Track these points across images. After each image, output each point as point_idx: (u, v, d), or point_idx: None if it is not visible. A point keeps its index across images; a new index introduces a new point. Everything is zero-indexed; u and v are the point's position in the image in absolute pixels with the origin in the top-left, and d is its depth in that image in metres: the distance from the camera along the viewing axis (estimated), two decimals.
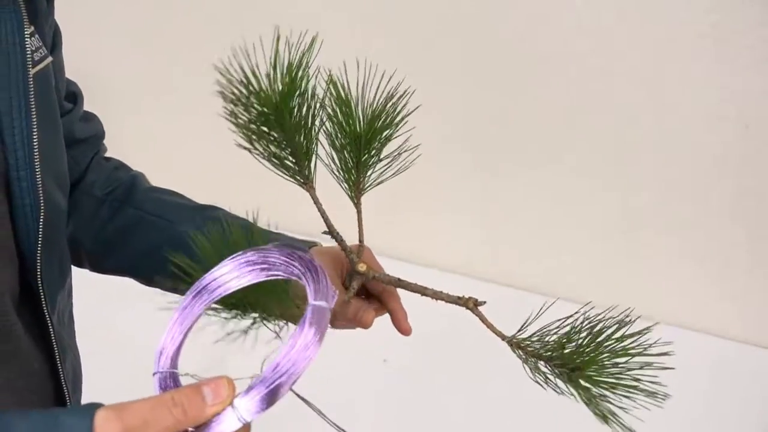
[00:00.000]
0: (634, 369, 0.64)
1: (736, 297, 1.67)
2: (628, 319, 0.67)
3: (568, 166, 1.73)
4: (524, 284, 1.82)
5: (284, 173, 0.69)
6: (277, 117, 0.64)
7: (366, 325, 0.73)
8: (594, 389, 0.63)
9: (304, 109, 0.66)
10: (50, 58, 0.73)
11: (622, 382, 0.63)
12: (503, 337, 0.70)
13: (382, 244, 1.89)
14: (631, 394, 0.63)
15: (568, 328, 0.67)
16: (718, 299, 1.69)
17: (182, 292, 0.81)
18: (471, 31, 1.71)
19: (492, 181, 1.82)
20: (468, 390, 1.50)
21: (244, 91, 0.64)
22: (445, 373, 1.54)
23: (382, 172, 0.71)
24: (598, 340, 0.65)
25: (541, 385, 0.66)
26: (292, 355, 0.49)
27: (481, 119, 1.78)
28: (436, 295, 0.70)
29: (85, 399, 0.89)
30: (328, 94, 0.68)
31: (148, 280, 0.86)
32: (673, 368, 0.65)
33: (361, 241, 0.72)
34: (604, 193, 1.72)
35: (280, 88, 0.65)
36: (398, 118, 0.70)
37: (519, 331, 0.68)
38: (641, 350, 0.64)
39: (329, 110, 0.68)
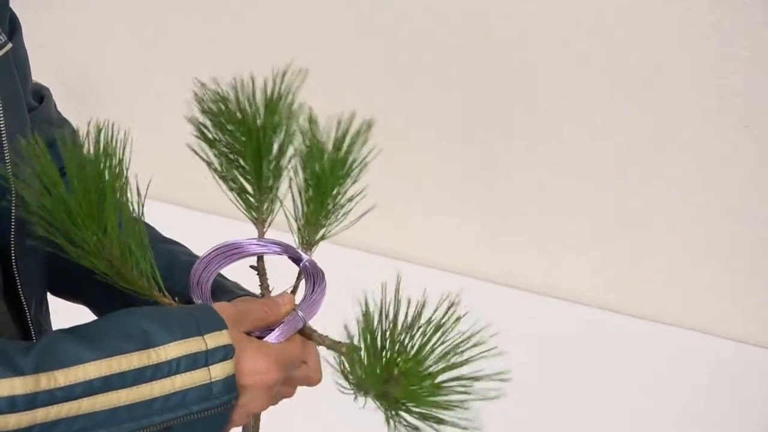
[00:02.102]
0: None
1: (736, 297, 1.67)
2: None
3: (567, 165, 1.73)
4: (524, 284, 1.82)
5: (240, 204, 0.68)
6: (251, 146, 0.64)
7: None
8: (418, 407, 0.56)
9: (277, 148, 0.65)
10: (10, 45, 0.72)
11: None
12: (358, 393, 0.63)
13: (382, 243, 1.89)
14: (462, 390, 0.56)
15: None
16: (718, 299, 1.69)
17: None
18: (470, 31, 1.71)
19: (492, 181, 1.82)
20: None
21: (222, 107, 0.63)
22: None
23: (338, 220, 0.69)
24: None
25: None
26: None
27: (480, 119, 1.78)
28: (319, 341, 0.68)
29: None
30: (304, 137, 0.65)
31: (97, 308, 0.84)
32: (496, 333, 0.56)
33: (266, 288, 0.71)
34: (603, 193, 1.72)
35: (261, 118, 0.63)
36: (355, 170, 0.67)
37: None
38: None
39: (301, 155, 0.65)
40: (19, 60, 0.79)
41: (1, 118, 0.69)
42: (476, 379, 0.57)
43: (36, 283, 0.77)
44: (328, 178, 0.65)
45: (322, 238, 0.70)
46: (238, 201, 0.69)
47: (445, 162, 1.82)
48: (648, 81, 1.61)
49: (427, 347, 0.55)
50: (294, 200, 0.68)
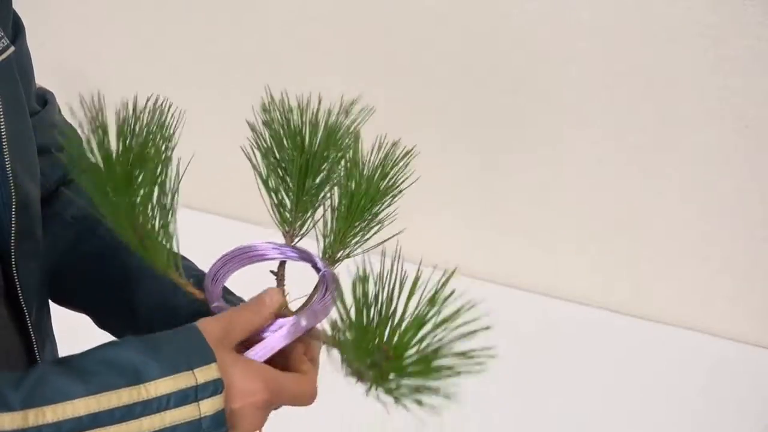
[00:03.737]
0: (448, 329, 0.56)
1: (736, 297, 1.67)
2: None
3: (567, 165, 1.73)
4: (524, 284, 1.82)
5: (275, 216, 0.70)
6: (301, 165, 0.67)
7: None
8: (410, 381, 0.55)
9: (324, 171, 0.69)
10: (12, 48, 0.72)
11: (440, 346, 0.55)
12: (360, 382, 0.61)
13: (383, 244, 1.89)
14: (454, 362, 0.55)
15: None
16: (718, 299, 1.69)
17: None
18: (470, 31, 1.71)
19: (492, 181, 1.82)
20: (468, 389, 1.50)
21: (284, 122, 0.66)
22: None
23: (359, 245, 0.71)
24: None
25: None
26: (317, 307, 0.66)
27: (480, 119, 1.78)
28: (324, 338, 0.67)
29: None
30: (347, 157, 0.69)
31: (98, 318, 0.83)
32: (488, 327, 0.56)
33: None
34: (603, 193, 1.72)
35: (318, 144, 0.67)
36: (394, 191, 0.72)
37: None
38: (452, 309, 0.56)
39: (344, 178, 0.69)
40: (22, 63, 0.79)
41: (2, 122, 0.69)
42: (465, 354, 0.58)
43: (36, 287, 0.77)
44: (362, 199, 0.68)
45: (347, 256, 0.71)
46: (274, 212, 0.70)
47: (445, 162, 1.82)
48: (648, 81, 1.61)
49: (419, 320, 0.56)
50: (325, 217, 0.70)
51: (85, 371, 0.57)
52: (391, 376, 0.55)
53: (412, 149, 0.71)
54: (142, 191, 0.60)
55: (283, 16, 1.85)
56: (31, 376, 0.56)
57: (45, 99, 0.85)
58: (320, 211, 0.70)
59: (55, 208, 0.84)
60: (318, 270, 0.70)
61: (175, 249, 0.66)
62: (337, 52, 1.80)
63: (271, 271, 0.71)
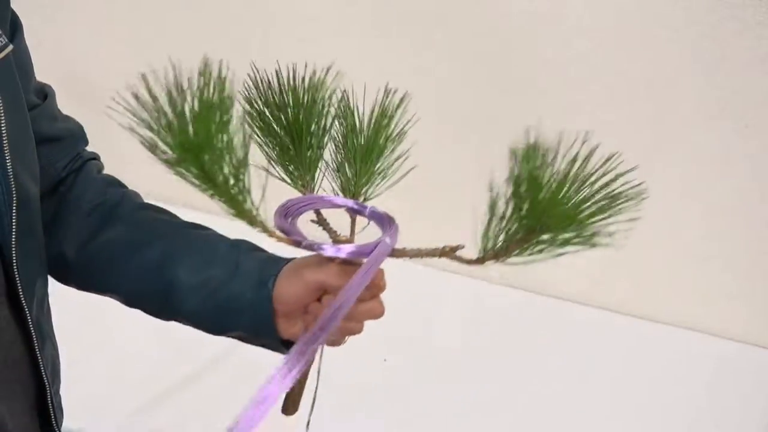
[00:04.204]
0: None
1: (736, 297, 1.67)
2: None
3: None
4: (524, 284, 1.82)
5: (287, 177, 0.72)
6: (295, 128, 0.68)
7: (379, 280, 0.72)
8: (576, 231, 0.61)
9: (318, 123, 0.71)
10: (11, 47, 0.72)
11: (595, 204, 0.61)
12: (477, 262, 0.72)
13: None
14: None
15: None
16: (719, 299, 1.69)
17: (164, 318, 0.82)
18: (471, 31, 1.71)
19: (491, 181, 1.82)
20: (469, 390, 1.50)
21: (269, 99, 0.69)
22: (445, 374, 1.54)
23: (378, 185, 0.75)
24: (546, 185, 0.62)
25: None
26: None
27: (480, 119, 1.78)
28: (415, 253, 0.72)
29: (64, 388, 0.89)
30: (338, 109, 0.72)
31: (130, 299, 0.84)
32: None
33: (352, 239, 0.73)
34: None
35: (305, 103, 0.69)
36: (396, 132, 0.75)
37: (485, 246, 0.69)
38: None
39: (337, 125, 0.72)
40: (21, 60, 0.79)
41: (2, 119, 0.69)
42: (613, 196, 0.64)
43: (37, 286, 0.77)
44: (371, 146, 0.71)
45: (365, 200, 0.74)
46: (284, 176, 0.72)
47: (444, 161, 1.82)
48: (648, 81, 1.61)
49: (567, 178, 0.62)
50: (339, 168, 0.73)
51: None
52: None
53: (405, 94, 0.75)
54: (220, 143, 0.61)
55: (283, 20, 1.85)
56: None
57: (45, 92, 0.86)
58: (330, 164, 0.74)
59: (69, 198, 0.85)
60: (360, 213, 0.72)
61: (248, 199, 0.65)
62: (337, 53, 1.80)
63: (313, 221, 0.72)
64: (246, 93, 0.70)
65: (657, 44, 1.57)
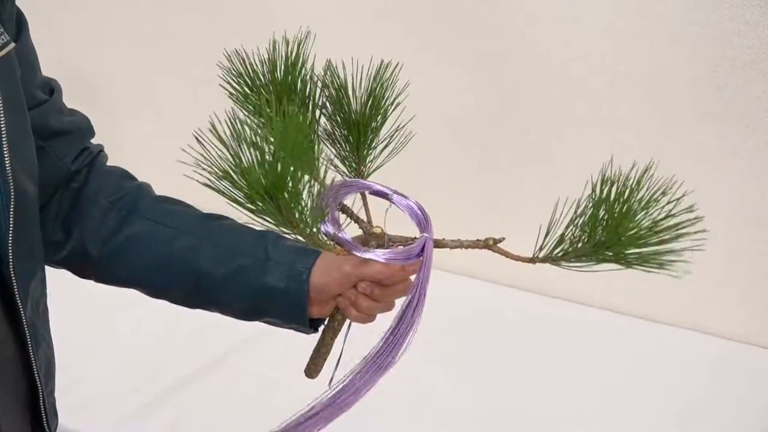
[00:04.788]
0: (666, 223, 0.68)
1: (736, 297, 1.67)
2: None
3: (567, 165, 1.73)
4: (524, 284, 1.81)
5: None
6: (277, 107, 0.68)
7: (415, 270, 0.75)
8: (639, 253, 0.67)
9: (302, 96, 0.72)
10: (12, 45, 0.73)
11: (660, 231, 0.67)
12: (529, 260, 0.79)
13: None
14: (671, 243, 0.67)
15: (589, 211, 0.70)
16: (718, 299, 1.69)
17: (190, 307, 0.84)
18: (470, 31, 1.71)
19: (492, 181, 1.82)
20: (468, 389, 1.50)
21: (245, 85, 0.67)
22: (445, 374, 1.54)
23: (380, 154, 0.76)
24: (623, 205, 0.68)
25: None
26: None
27: (479, 119, 1.78)
28: (456, 245, 0.79)
29: (59, 390, 0.89)
30: (325, 80, 0.73)
31: (156, 291, 0.86)
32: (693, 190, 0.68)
33: (370, 222, 0.75)
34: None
35: (280, 78, 0.70)
36: (390, 100, 0.76)
37: (540, 249, 0.76)
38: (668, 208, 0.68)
39: (326, 98, 0.73)
40: (26, 56, 0.80)
41: (1, 117, 0.69)
42: (677, 226, 0.69)
43: (32, 285, 0.77)
44: (362, 118, 0.73)
45: (372, 171, 0.76)
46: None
47: (445, 162, 1.82)
48: (648, 81, 1.60)
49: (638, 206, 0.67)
50: (337, 144, 0.75)
51: None
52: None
53: (397, 65, 0.76)
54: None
55: (285, 19, 1.85)
56: None
57: (51, 87, 0.86)
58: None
59: (87, 193, 0.85)
60: (385, 197, 0.75)
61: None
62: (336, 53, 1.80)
63: (339, 209, 0.74)
64: (226, 75, 0.71)
65: (657, 44, 1.57)
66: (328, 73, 0.73)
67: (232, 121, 0.59)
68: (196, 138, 0.60)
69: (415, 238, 0.74)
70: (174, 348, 1.55)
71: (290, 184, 0.59)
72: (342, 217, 0.73)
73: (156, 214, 0.84)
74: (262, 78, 0.70)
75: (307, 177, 0.61)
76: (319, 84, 0.73)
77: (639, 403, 1.48)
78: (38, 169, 0.80)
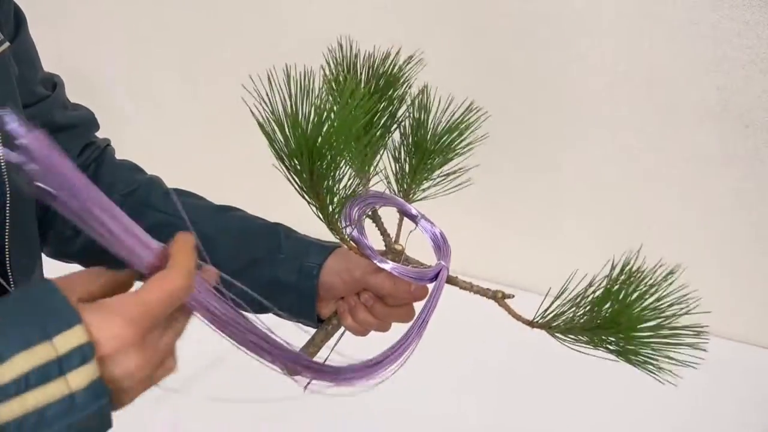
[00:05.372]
0: (671, 317, 0.67)
1: (736, 297, 1.67)
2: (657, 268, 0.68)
3: (567, 166, 1.73)
4: (524, 284, 1.81)
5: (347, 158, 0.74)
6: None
7: (422, 296, 0.76)
8: (637, 348, 0.67)
9: (389, 109, 0.74)
10: (8, 44, 0.72)
11: (662, 333, 0.67)
12: (528, 323, 0.77)
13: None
14: (673, 342, 0.67)
15: (599, 291, 0.69)
16: (718, 299, 1.68)
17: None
18: (470, 31, 1.71)
19: (492, 182, 1.82)
20: (468, 389, 1.50)
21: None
22: (445, 373, 1.54)
23: (432, 186, 0.79)
24: (632, 295, 0.66)
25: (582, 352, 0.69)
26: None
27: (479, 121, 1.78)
28: (467, 286, 0.78)
29: None
30: (415, 99, 0.75)
31: None
32: (709, 312, 0.69)
33: (397, 239, 0.77)
34: (603, 193, 1.72)
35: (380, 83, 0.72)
36: (464, 140, 0.79)
37: (544, 313, 0.75)
38: (675, 298, 0.68)
39: (409, 115, 0.75)
40: (26, 52, 0.80)
41: None
42: (676, 330, 0.69)
43: (30, 279, 0.77)
44: (436, 147, 0.75)
45: (419, 200, 0.78)
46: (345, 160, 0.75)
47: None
48: (648, 81, 1.61)
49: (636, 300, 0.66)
50: (400, 162, 0.76)
51: None
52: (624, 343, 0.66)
53: (479, 109, 0.81)
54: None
55: (286, 18, 1.85)
56: None
57: (54, 82, 0.86)
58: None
59: (103, 191, 0.85)
60: (412, 218, 0.76)
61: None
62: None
63: (367, 216, 0.75)
64: (328, 56, 0.72)
65: (657, 44, 1.57)
66: (422, 94, 0.75)
67: (303, 76, 0.60)
68: (268, 77, 0.60)
69: (431, 266, 0.75)
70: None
71: (329, 155, 0.59)
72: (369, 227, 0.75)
73: (168, 207, 0.85)
74: (360, 74, 0.72)
75: (348, 157, 0.62)
76: (408, 100, 0.75)
77: (639, 402, 1.48)
78: None
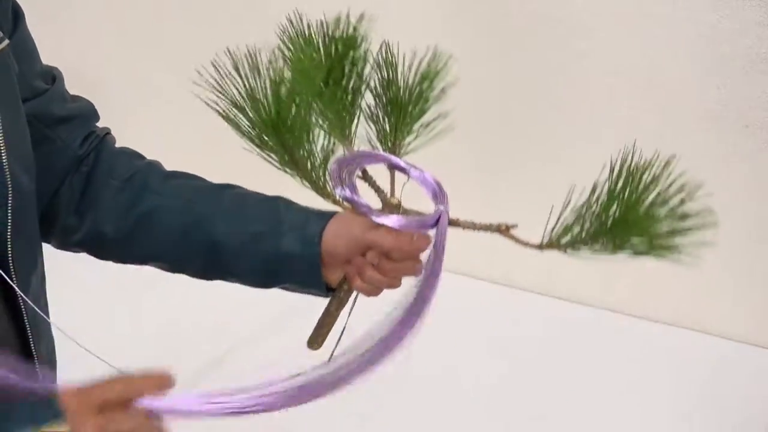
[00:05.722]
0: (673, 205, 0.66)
1: (736, 297, 1.67)
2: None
3: (566, 165, 1.73)
4: (523, 284, 1.82)
5: (326, 128, 0.72)
6: (328, 75, 0.69)
7: (425, 245, 0.74)
8: (653, 241, 0.65)
9: (353, 71, 0.72)
10: (7, 41, 0.72)
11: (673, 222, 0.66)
12: (537, 247, 0.74)
13: None
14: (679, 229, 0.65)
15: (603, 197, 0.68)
16: (718, 299, 1.69)
17: (209, 279, 0.85)
18: (470, 30, 1.71)
19: (490, 180, 1.82)
20: (467, 389, 1.50)
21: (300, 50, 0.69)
22: (444, 374, 1.54)
23: (416, 138, 0.77)
24: (636, 191, 0.66)
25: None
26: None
27: (478, 119, 1.78)
28: (469, 225, 0.76)
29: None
30: (379, 58, 0.73)
31: (174, 265, 0.86)
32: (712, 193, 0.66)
33: (392, 195, 0.75)
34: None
35: (336, 50, 0.70)
36: (437, 88, 0.77)
37: (548, 235, 0.72)
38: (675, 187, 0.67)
39: (376, 74, 0.74)
40: (24, 47, 0.80)
41: None
42: (685, 215, 0.67)
43: (33, 280, 0.77)
44: (411, 100, 0.73)
45: (407, 153, 0.76)
46: (322, 124, 0.73)
47: (443, 161, 1.82)
48: (648, 81, 1.61)
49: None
50: (378, 122, 0.74)
51: None
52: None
53: (450, 56, 0.78)
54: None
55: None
56: None
57: (53, 75, 0.87)
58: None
59: (97, 175, 0.86)
60: (404, 171, 0.74)
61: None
62: None
63: (358, 176, 0.73)
64: (281, 35, 0.71)
65: (657, 44, 1.57)
66: (382, 51, 0.73)
67: (251, 53, 0.59)
68: (214, 65, 0.60)
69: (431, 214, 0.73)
70: (174, 348, 1.55)
71: (297, 120, 0.59)
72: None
73: (167, 189, 0.85)
74: (318, 46, 0.71)
75: (317, 117, 0.61)
76: (371, 60, 0.73)
77: (639, 402, 1.48)
78: (51, 157, 0.81)
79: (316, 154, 0.63)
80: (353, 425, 1.42)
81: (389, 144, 0.75)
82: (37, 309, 0.77)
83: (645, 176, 0.67)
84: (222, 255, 0.82)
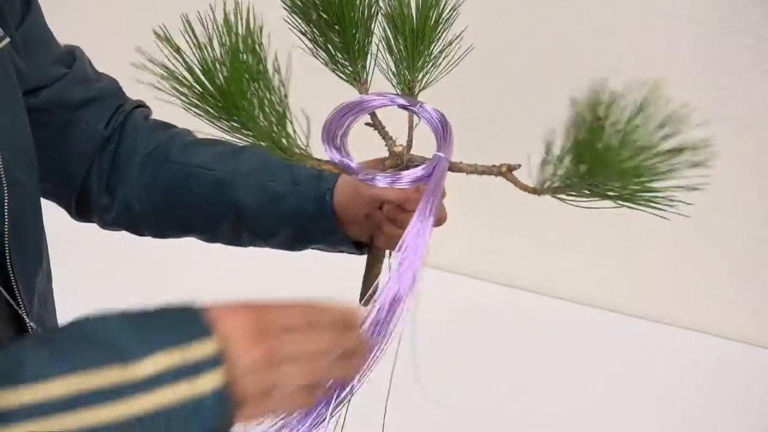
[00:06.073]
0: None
1: (736, 297, 1.67)
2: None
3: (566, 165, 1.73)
4: (523, 284, 1.81)
5: (340, 72, 0.71)
6: (338, 14, 0.67)
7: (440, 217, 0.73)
8: (641, 184, 0.60)
9: (362, 7, 0.69)
10: (8, 39, 0.72)
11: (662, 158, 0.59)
12: (534, 191, 0.71)
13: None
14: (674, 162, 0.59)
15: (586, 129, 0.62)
16: (719, 299, 1.69)
17: (243, 245, 0.84)
18: (470, 30, 1.71)
19: (490, 181, 1.82)
20: (467, 388, 1.50)
21: None
22: (443, 373, 1.54)
23: (434, 68, 0.74)
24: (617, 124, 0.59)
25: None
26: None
27: (478, 119, 1.78)
28: (471, 169, 0.74)
29: None
30: None
31: (207, 234, 0.87)
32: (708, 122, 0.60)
33: (410, 144, 0.72)
34: None
35: None
36: (448, 12, 0.75)
37: (542, 182, 0.69)
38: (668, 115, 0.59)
39: (384, 7, 0.71)
40: (36, 34, 0.80)
41: None
42: (680, 150, 0.59)
43: (37, 280, 0.77)
44: (422, 28, 0.70)
45: (424, 87, 0.73)
46: (337, 71, 0.71)
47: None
48: (648, 81, 1.60)
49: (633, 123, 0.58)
50: (394, 54, 0.72)
51: (66, 348, 0.53)
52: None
53: None
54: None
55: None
56: (6, 356, 0.53)
57: (73, 56, 0.87)
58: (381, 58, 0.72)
59: (121, 153, 0.86)
60: (410, 109, 0.71)
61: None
62: None
63: (367, 124, 0.71)
64: None
65: (657, 44, 1.57)
66: None
67: (185, 23, 0.58)
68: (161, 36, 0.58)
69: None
70: None
71: (239, 87, 0.57)
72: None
73: (186, 158, 0.85)
74: None
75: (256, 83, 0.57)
76: None
77: (639, 402, 1.49)
78: (76, 141, 0.82)
79: (271, 115, 0.59)
80: (353, 425, 1.42)
81: (407, 77, 0.72)
82: (36, 306, 0.76)
83: (629, 107, 0.59)
84: (245, 218, 0.83)
